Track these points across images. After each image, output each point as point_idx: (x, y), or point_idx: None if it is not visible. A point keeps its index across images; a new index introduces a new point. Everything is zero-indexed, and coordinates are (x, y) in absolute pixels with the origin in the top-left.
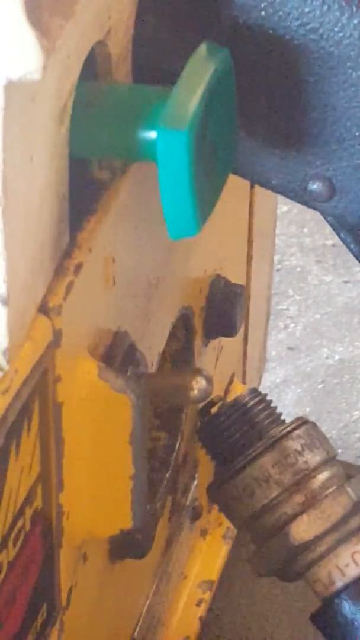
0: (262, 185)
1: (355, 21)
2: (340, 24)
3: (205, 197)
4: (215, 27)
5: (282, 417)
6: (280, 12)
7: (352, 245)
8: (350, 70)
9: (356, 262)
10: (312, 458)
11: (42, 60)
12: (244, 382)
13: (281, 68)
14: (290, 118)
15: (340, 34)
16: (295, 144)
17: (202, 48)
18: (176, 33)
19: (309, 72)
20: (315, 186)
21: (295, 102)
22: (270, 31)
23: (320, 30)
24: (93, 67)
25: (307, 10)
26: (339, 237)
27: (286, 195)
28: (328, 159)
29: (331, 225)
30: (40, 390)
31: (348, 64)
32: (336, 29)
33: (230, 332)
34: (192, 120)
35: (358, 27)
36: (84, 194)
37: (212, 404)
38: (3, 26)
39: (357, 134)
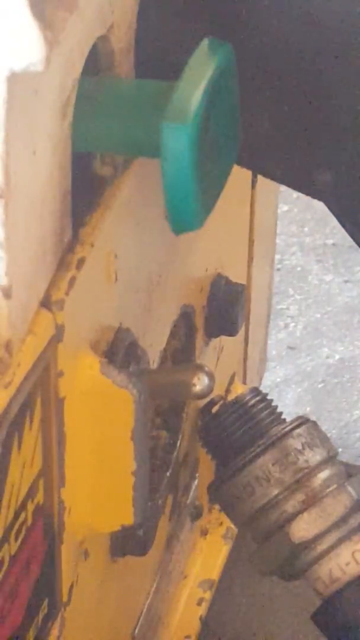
0: (267, 176)
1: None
2: (344, 16)
3: (208, 191)
4: (218, 21)
5: (283, 417)
6: (284, 5)
7: (357, 237)
8: (355, 60)
9: (357, 261)
10: (313, 457)
11: (46, 52)
12: (244, 382)
13: (285, 60)
14: (295, 109)
15: (345, 26)
16: (300, 135)
17: (205, 43)
18: (179, 28)
19: (312, 63)
20: (320, 177)
21: (300, 94)
22: (274, 23)
23: (325, 22)
24: (96, 62)
25: (311, 2)
26: (344, 228)
27: (291, 186)
28: (333, 150)
29: (336, 216)
30: (42, 384)
31: (352, 53)
32: (340, 21)
33: (231, 331)
34: (195, 114)
35: None
36: (86, 190)
37: (213, 403)
38: (7, 18)
39: None
